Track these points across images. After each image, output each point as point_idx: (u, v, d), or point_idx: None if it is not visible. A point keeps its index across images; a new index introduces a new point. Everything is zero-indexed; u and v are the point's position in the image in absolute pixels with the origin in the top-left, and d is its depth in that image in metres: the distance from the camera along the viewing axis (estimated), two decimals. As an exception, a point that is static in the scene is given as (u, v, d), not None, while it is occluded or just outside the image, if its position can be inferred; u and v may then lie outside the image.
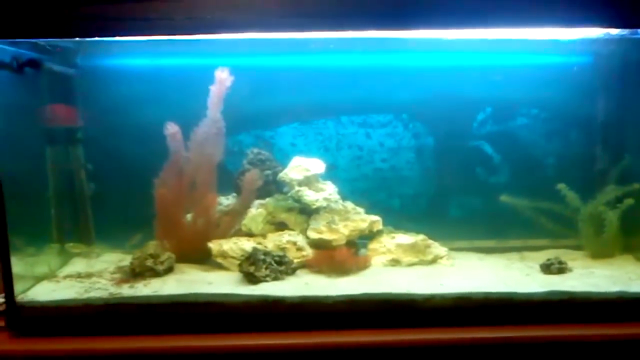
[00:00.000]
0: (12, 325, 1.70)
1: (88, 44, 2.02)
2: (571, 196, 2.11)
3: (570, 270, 1.97)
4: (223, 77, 1.97)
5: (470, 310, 1.74)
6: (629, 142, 2.19)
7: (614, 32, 1.71)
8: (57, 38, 1.87)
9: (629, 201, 2.05)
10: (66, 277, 1.93)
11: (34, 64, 1.82)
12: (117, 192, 2.18)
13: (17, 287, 1.72)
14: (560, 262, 1.97)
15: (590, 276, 1.93)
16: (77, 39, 1.83)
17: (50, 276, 1.92)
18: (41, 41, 1.86)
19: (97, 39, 1.74)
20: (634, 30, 1.70)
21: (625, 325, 1.71)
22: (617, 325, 1.71)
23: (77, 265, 2.06)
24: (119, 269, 1.97)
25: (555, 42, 1.93)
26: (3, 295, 1.74)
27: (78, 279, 1.89)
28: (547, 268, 1.97)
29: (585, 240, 2.16)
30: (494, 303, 1.76)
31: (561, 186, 2.11)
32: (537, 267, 2.00)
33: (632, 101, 2.15)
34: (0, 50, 1.71)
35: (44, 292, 1.79)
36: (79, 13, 1.61)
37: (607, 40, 1.92)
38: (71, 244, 2.14)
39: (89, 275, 1.93)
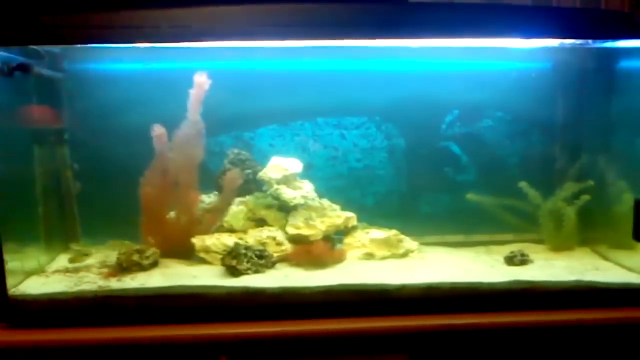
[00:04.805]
0: (5, 318, 1.76)
1: (75, 50, 2.10)
2: (532, 193, 2.22)
3: (532, 261, 2.08)
4: (201, 80, 2.02)
5: (439, 299, 1.84)
6: (586, 143, 2.31)
7: (569, 42, 1.84)
8: (46, 45, 1.94)
9: (586, 197, 2.17)
10: (55, 272, 1.99)
11: (24, 68, 1.87)
12: (103, 190, 2.23)
13: (9, 281, 1.78)
14: (522, 255, 2.08)
15: (550, 267, 2.04)
16: (66, 45, 1.95)
17: (39, 271, 1.98)
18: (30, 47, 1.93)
19: (84, 45, 1.84)
20: (585, 41, 1.83)
21: (581, 310, 1.82)
22: (574, 311, 1.82)
23: (64, 261, 2.12)
24: (106, 264, 2.04)
25: (517, 50, 2.06)
26: (-5, 289, 1.81)
27: (67, 274, 1.96)
28: (511, 260, 2.08)
29: (546, 234, 2.27)
30: (460, 292, 1.86)
31: (523, 184, 2.22)
32: (502, 260, 2.11)
33: (588, 105, 2.27)
34: (-8, 55, 1.77)
35: (35, 286, 1.85)
36: (68, 21, 1.69)
37: (564, 50, 2.05)
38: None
39: (76, 270, 1.99)
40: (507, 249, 2.17)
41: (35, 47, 1.93)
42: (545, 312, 1.82)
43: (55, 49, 2.08)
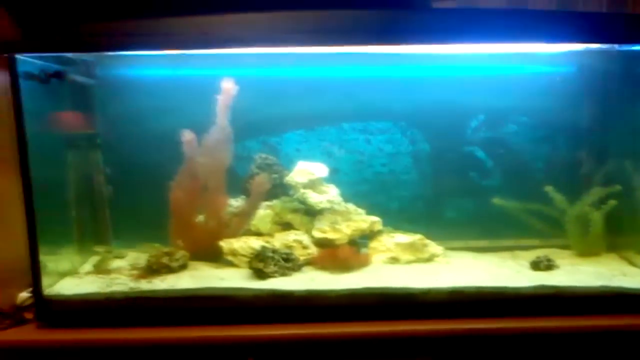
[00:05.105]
0: (41, 317, 1.83)
1: (106, 56, 2.14)
2: (558, 198, 2.20)
3: (558, 267, 2.07)
4: (228, 87, 2.05)
5: (464, 304, 1.85)
6: (612, 147, 2.29)
7: (595, 46, 1.84)
8: (79, 52, 1.99)
9: (612, 202, 2.14)
10: (87, 273, 2.05)
11: (59, 75, 1.93)
12: (134, 194, 2.27)
13: (44, 281, 1.84)
14: (548, 260, 2.07)
15: (576, 272, 2.02)
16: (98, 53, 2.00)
17: (73, 272, 2.04)
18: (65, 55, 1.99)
19: (116, 53, 1.90)
20: (611, 45, 1.83)
21: (608, 316, 1.82)
22: (600, 316, 1.82)
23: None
24: (136, 266, 2.09)
25: (543, 55, 2.07)
26: (30, 290, 1.87)
27: (99, 275, 2.01)
28: (537, 265, 2.07)
29: (572, 240, 2.25)
30: (486, 297, 1.86)
31: (548, 189, 2.20)
32: (527, 265, 2.10)
33: (614, 109, 2.26)
34: (30, 63, 1.82)
35: (69, 287, 1.90)
36: (101, 29, 1.73)
37: (589, 53, 2.05)
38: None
39: (108, 272, 2.04)
40: (532, 254, 2.16)
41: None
42: (571, 317, 1.82)
43: (88, 56, 2.13)
